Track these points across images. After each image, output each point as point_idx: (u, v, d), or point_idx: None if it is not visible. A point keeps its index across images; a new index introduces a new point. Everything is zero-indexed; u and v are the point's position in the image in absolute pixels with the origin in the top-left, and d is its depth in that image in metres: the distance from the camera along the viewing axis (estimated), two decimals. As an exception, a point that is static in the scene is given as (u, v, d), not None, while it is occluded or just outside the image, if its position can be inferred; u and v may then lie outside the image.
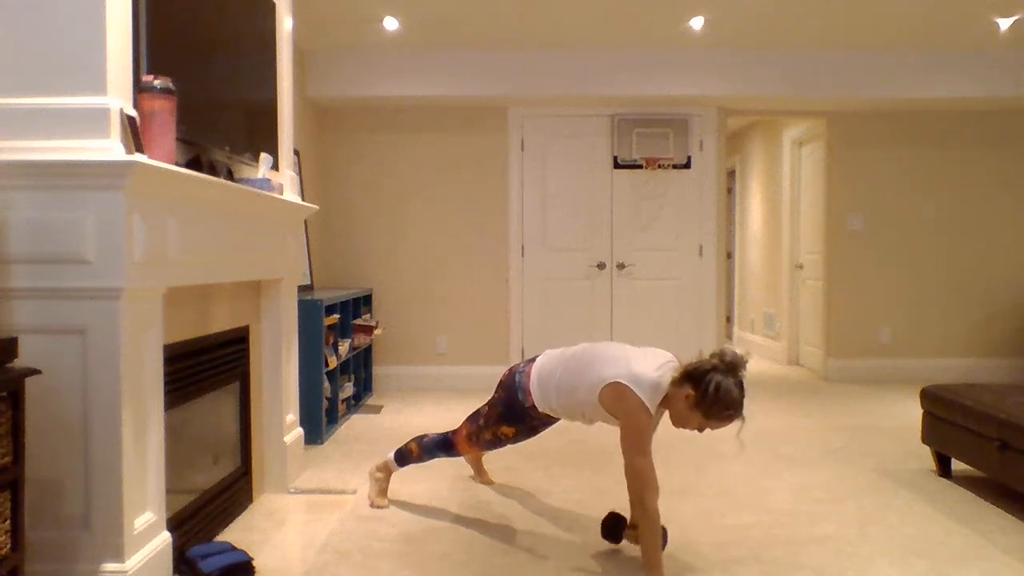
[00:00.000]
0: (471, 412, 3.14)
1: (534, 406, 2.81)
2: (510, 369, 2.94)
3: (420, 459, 3.17)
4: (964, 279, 6.37)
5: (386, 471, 3.24)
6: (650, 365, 2.55)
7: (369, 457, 3.96)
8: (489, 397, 3.01)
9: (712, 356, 2.47)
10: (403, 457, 3.20)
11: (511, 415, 2.87)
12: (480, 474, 3.57)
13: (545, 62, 5.68)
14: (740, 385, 2.44)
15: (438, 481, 3.56)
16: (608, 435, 4.33)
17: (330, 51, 5.65)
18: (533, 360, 2.89)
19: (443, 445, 3.10)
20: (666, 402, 2.54)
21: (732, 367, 2.43)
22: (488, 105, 5.99)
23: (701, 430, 2.52)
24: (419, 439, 3.17)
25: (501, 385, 2.93)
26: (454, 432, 3.08)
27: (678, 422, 2.54)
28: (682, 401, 2.47)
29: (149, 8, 2.27)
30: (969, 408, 3.32)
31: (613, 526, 2.78)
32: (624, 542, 2.80)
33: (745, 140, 8.57)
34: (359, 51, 5.65)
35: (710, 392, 2.40)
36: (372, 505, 3.19)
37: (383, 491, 3.23)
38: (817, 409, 5.23)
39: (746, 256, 8.63)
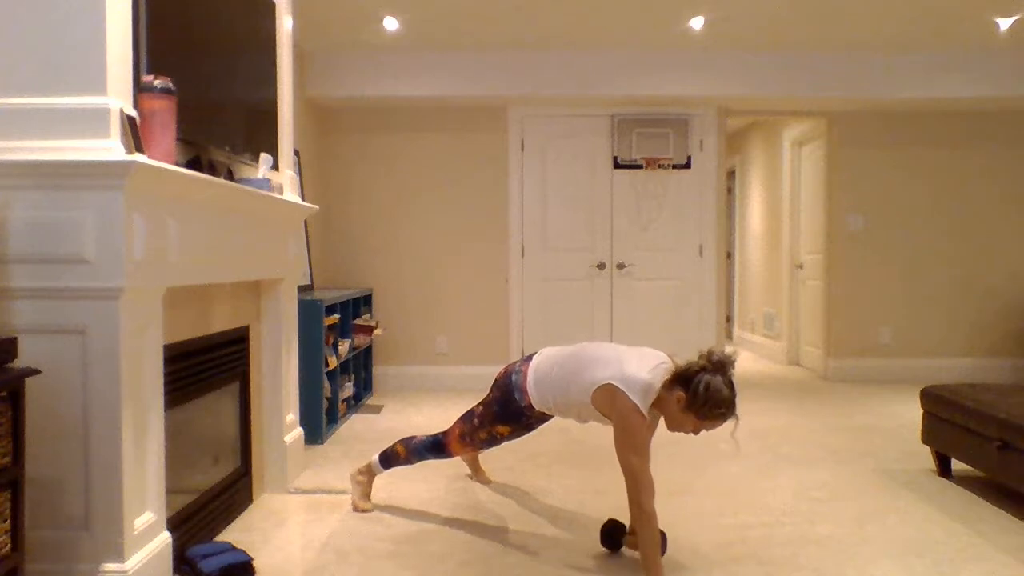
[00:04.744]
0: (463, 412, 3.12)
1: (531, 405, 2.80)
2: (505, 368, 2.92)
3: (408, 461, 3.13)
4: (964, 279, 6.36)
5: (368, 474, 3.21)
6: (643, 367, 2.55)
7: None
8: (484, 396, 3.00)
9: (700, 357, 2.49)
10: (388, 459, 3.15)
11: (507, 414, 2.86)
12: (477, 473, 3.57)
13: (545, 62, 5.68)
14: (730, 384, 2.46)
15: (437, 481, 3.56)
16: (608, 435, 4.33)
17: (330, 51, 5.65)
18: (529, 359, 2.88)
19: (434, 447, 3.05)
20: (659, 406, 2.54)
21: (720, 366, 2.46)
22: (488, 105, 6.00)
23: (696, 432, 2.52)
24: (406, 441, 3.13)
25: (496, 384, 2.91)
26: (445, 433, 3.05)
27: (673, 425, 2.55)
28: (674, 404, 2.49)
29: (149, 8, 2.27)
30: (969, 408, 3.32)
31: (612, 532, 2.76)
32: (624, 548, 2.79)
33: (745, 140, 8.57)
34: (359, 51, 5.65)
35: (700, 392, 2.42)
36: (356, 509, 3.16)
37: (366, 494, 3.21)
38: (817, 409, 5.23)
39: (746, 256, 8.63)
